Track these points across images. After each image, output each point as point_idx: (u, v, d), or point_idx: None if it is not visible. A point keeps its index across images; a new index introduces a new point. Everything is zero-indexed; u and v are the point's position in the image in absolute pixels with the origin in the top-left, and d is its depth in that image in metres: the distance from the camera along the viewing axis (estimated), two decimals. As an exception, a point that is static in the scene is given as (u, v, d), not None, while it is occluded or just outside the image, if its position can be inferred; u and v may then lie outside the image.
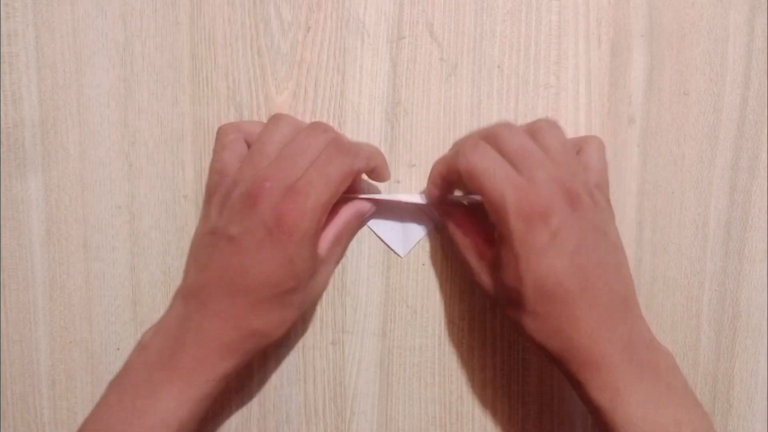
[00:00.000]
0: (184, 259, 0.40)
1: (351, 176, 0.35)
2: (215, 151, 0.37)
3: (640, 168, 0.40)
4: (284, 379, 0.41)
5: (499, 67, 0.39)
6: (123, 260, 0.40)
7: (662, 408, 0.31)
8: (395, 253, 0.40)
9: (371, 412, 0.41)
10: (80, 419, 0.34)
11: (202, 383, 0.33)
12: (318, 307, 0.41)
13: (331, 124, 0.39)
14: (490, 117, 0.40)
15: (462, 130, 0.40)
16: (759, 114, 0.40)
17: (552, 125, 0.35)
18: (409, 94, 0.40)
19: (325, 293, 0.40)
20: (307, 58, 0.39)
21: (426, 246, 0.40)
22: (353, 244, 0.40)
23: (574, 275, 0.31)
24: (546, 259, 0.31)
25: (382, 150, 0.40)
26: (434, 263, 0.40)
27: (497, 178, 0.32)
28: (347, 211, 0.38)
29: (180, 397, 0.32)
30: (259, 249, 0.32)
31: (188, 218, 0.40)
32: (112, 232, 0.40)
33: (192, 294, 0.34)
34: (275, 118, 0.36)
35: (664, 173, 0.40)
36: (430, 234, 0.40)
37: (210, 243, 0.34)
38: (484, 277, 0.35)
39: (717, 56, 0.39)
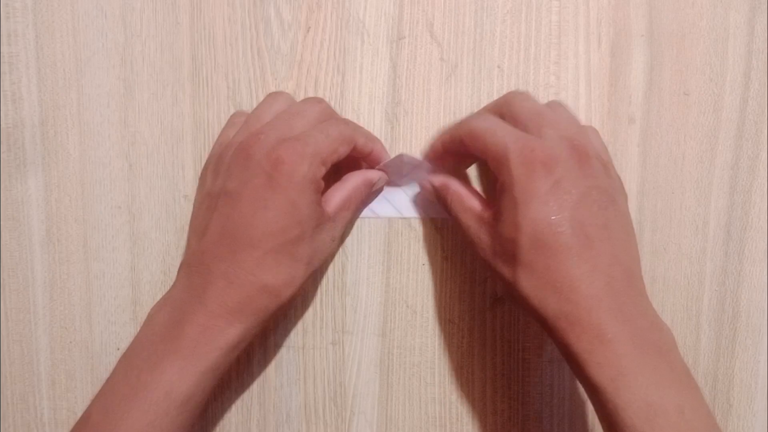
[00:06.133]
0: (184, 259, 0.40)
1: (350, 142, 0.34)
2: (222, 129, 0.38)
3: (640, 168, 0.40)
4: (284, 379, 0.41)
5: (499, 67, 0.39)
6: (123, 260, 0.40)
7: (665, 392, 0.29)
8: (404, 217, 0.40)
9: (371, 412, 0.41)
10: (80, 419, 0.35)
11: (207, 353, 0.31)
12: (318, 307, 0.41)
13: (331, 124, 0.39)
14: (490, 117, 0.40)
15: (462, 130, 0.40)
16: (759, 114, 0.40)
17: (562, 104, 0.35)
18: (409, 94, 0.40)
19: (325, 293, 0.41)
20: (307, 58, 0.39)
21: (426, 246, 0.40)
22: (353, 244, 0.40)
23: (574, 229, 0.30)
24: (545, 206, 0.30)
25: (382, 150, 0.40)
26: (434, 263, 0.40)
27: (500, 133, 0.32)
28: (355, 177, 0.37)
29: (184, 369, 0.31)
30: (260, 196, 0.31)
31: (188, 218, 0.40)
32: (112, 232, 0.40)
33: (195, 261, 0.33)
34: (273, 94, 0.37)
35: (664, 173, 0.40)
36: (429, 234, 0.40)
37: (208, 206, 0.34)
38: (483, 236, 0.33)
39: (717, 56, 0.39)
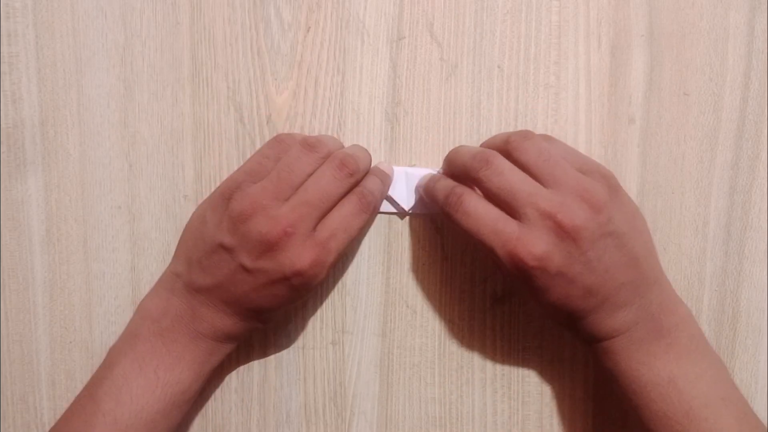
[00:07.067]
0: (184, 259, 0.40)
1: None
2: (261, 151, 0.37)
3: (640, 168, 0.40)
4: (284, 379, 0.41)
5: (499, 67, 0.39)
6: (123, 260, 0.40)
7: (659, 368, 0.33)
8: (401, 208, 0.39)
9: (371, 412, 0.41)
10: (80, 419, 0.35)
11: (214, 362, 0.36)
12: (318, 307, 0.41)
13: (331, 124, 0.39)
14: (490, 117, 0.40)
15: (462, 130, 0.40)
16: (759, 114, 0.40)
17: (528, 137, 0.34)
18: (409, 94, 0.40)
19: (325, 293, 0.41)
20: (307, 58, 0.39)
21: (426, 246, 0.40)
22: (354, 244, 0.40)
23: (584, 297, 0.33)
24: (553, 293, 0.33)
25: (382, 150, 0.40)
26: (434, 263, 0.40)
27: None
28: (358, 226, 0.36)
29: (198, 372, 0.35)
30: (272, 287, 0.34)
31: (188, 218, 0.40)
32: (112, 233, 0.40)
33: (199, 291, 0.35)
34: (314, 147, 0.35)
35: (664, 173, 0.40)
36: (429, 234, 0.40)
37: (221, 258, 0.34)
38: (500, 252, 0.33)
39: (717, 56, 0.39)
